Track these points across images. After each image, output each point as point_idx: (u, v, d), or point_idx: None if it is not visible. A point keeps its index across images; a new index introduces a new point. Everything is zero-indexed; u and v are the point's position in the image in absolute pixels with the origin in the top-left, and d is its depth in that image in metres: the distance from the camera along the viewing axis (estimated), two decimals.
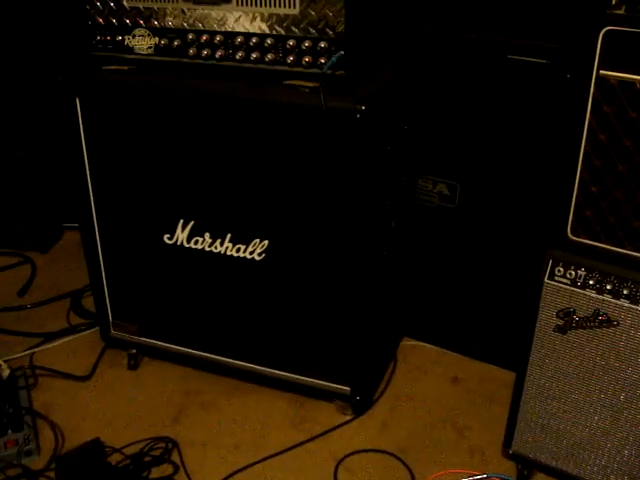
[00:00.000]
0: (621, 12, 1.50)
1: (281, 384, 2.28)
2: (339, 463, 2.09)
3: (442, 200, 2.30)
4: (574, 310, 1.73)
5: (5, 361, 2.33)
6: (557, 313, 1.75)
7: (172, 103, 2.00)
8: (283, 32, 1.84)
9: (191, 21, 1.92)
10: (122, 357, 2.47)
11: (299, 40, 1.83)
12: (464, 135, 2.19)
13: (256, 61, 1.89)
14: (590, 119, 1.60)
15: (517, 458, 2.00)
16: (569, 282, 1.72)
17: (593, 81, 1.56)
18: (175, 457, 2.10)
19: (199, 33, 1.92)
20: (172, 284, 2.27)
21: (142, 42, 1.99)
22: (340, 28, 1.78)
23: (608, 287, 1.67)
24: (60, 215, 3.20)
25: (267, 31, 1.85)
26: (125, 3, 1.96)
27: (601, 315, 1.69)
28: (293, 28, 1.82)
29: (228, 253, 2.12)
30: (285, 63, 1.86)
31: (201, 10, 1.90)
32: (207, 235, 2.12)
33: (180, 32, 1.94)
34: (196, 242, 2.14)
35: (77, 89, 2.06)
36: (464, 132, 2.19)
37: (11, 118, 2.91)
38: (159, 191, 2.13)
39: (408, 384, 2.39)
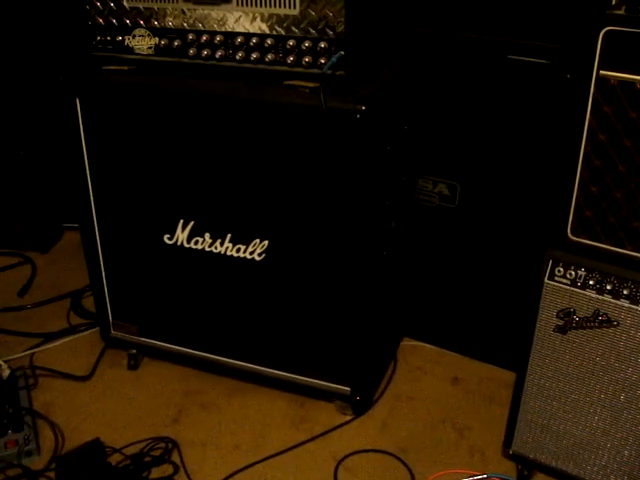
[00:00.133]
0: (621, 12, 1.50)
1: (281, 384, 2.28)
2: (339, 463, 2.09)
3: (442, 200, 2.30)
4: (574, 310, 1.73)
5: (5, 361, 2.33)
6: (557, 313, 1.75)
7: (172, 103, 2.00)
8: (283, 32, 1.84)
9: (191, 21, 1.92)
10: (122, 357, 2.47)
11: (299, 40, 1.83)
12: (464, 135, 2.19)
13: (256, 61, 1.89)
14: (590, 119, 1.60)
15: (517, 458, 2.00)
16: (569, 282, 1.72)
17: (593, 81, 1.56)
18: (175, 457, 2.10)
19: (199, 33, 1.92)
20: (172, 284, 2.27)
21: (142, 42, 1.99)
22: (340, 28, 1.78)
23: (608, 287, 1.67)
24: (60, 215, 3.20)
25: (267, 31, 1.85)
26: (125, 3, 1.96)
27: (601, 315, 1.69)
28: (293, 28, 1.82)
29: (228, 253, 2.12)
30: (285, 63, 1.86)
31: (201, 10, 1.90)
32: (207, 235, 2.12)
33: (180, 32, 1.94)
34: (196, 242, 2.14)
35: (77, 89, 2.06)
36: (464, 132, 2.19)
37: (11, 118, 2.91)
38: (159, 191, 2.13)
39: (408, 384, 2.39)
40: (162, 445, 2.13)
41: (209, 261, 2.15)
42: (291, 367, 2.24)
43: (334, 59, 1.80)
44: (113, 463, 2.06)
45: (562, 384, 1.82)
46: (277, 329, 2.20)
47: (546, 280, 1.75)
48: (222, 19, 1.88)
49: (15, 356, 2.46)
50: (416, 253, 2.43)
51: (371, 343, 2.20)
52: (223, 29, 1.89)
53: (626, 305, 1.65)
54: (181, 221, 2.14)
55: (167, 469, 2.06)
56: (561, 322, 1.75)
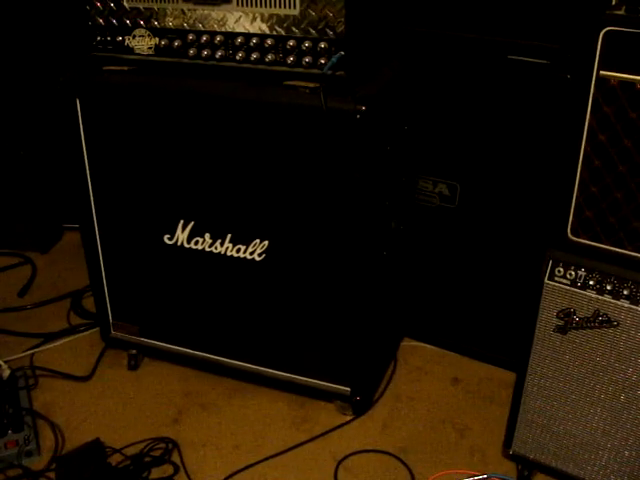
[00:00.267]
0: (621, 12, 1.50)
1: (281, 384, 2.28)
2: (339, 463, 2.09)
3: (442, 200, 2.30)
4: (574, 310, 1.73)
5: (5, 361, 2.33)
6: (557, 313, 1.75)
7: (172, 104, 2.00)
8: (283, 32, 1.84)
9: (191, 21, 1.92)
10: (122, 357, 2.47)
11: (299, 40, 1.83)
12: (464, 135, 2.19)
13: (256, 61, 1.89)
14: (590, 119, 1.60)
15: (517, 458, 2.00)
16: (569, 282, 1.72)
17: (593, 82, 1.56)
18: (175, 457, 2.10)
19: (199, 33, 1.92)
20: (172, 285, 2.27)
21: (142, 42, 1.99)
22: (340, 28, 1.78)
23: (608, 287, 1.67)
24: (60, 215, 3.20)
25: (267, 31, 1.85)
26: (125, 4, 1.96)
27: (601, 315, 1.69)
28: (293, 28, 1.82)
29: (228, 254, 2.12)
30: (285, 64, 1.86)
31: (201, 10, 1.90)
32: (207, 235, 2.12)
33: (180, 32, 1.94)
34: (196, 242, 2.14)
35: (77, 90, 2.06)
36: (464, 132, 2.19)
37: (11, 119, 2.91)
38: (159, 191, 2.13)
39: (408, 384, 2.39)
40: (162, 445, 2.13)
41: (209, 261, 2.15)
42: (291, 367, 2.24)
43: (334, 59, 1.80)
44: (113, 463, 2.06)
45: (562, 384, 1.82)
46: (277, 329, 2.20)
47: (546, 280, 1.75)
48: (222, 19, 1.88)
49: (15, 356, 2.46)
50: (416, 253, 2.43)
51: (371, 343, 2.20)
52: (223, 29, 1.89)
53: (626, 305, 1.65)
54: (181, 221, 2.14)
55: (167, 469, 2.06)
56: (561, 322, 1.75)
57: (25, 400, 2.23)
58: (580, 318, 1.72)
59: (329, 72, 1.81)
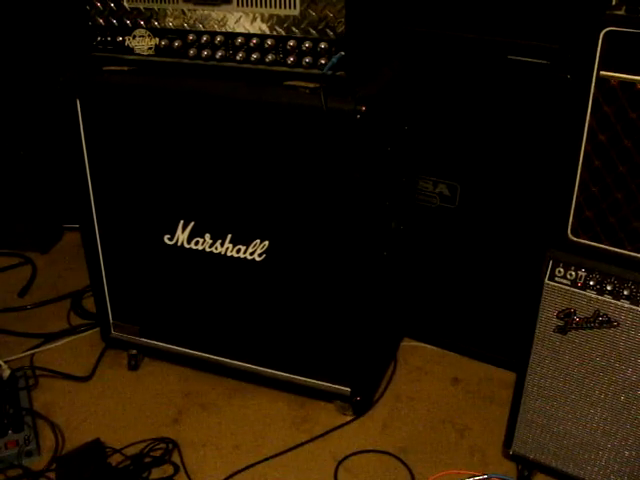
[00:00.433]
0: (621, 13, 1.50)
1: (281, 385, 2.28)
2: (339, 464, 2.09)
3: (442, 201, 2.30)
4: (574, 311, 1.73)
5: (5, 362, 2.33)
6: (557, 314, 1.75)
7: (172, 104, 2.00)
8: (283, 33, 1.84)
9: (191, 22, 1.92)
10: (122, 358, 2.47)
11: (299, 41, 1.83)
12: (464, 136, 2.19)
13: (256, 62, 1.89)
14: (590, 119, 1.60)
15: (517, 459, 2.00)
16: (569, 283, 1.72)
17: (593, 82, 1.56)
18: (175, 458, 2.10)
19: (199, 34, 1.92)
20: (172, 285, 2.27)
21: (142, 43, 1.99)
22: (340, 29, 1.78)
23: (608, 288, 1.67)
24: (60, 216, 3.20)
25: (267, 32, 1.85)
26: (125, 4, 1.96)
27: (601, 316, 1.69)
28: (293, 29, 1.82)
29: (228, 254, 2.12)
30: (285, 64, 1.86)
31: (201, 11, 1.90)
32: (207, 236, 2.12)
33: (180, 33, 1.94)
34: (197, 243, 2.14)
35: (77, 90, 2.06)
36: (464, 133, 2.19)
37: (12, 119, 2.91)
38: (159, 192, 2.13)
39: (408, 385, 2.39)
40: (162, 445, 2.13)
41: (209, 262, 2.15)
42: (291, 367, 2.24)
43: (334, 59, 1.80)
44: (113, 463, 2.06)
45: (562, 384, 1.82)
46: (277, 329, 2.20)
47: (546, 280, 1.75)
48: (222, 19, 1.88)
49: (15, 356, 2.46)
50: (416, 253, 2.43)
51: (371, 343, 2.20)
52: (223, 29, 1.89)
53: (626, 305, 1.65)
54: (181, 222, 2.14)
55: (167, 469, 2.06)
56: (561, 322, 1.75)
57: (25, 400, 2.23)
58: (580, 318, 1.72)
59: (329, 72, 1.81)
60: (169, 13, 1.93)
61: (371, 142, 1.87)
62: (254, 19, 1.85)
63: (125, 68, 2.03)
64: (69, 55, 2.54)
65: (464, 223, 2.29)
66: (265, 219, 2.04)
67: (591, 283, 1.69)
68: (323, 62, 1.82)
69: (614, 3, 1.66)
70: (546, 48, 1.96)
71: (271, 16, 1.83)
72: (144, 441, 2.14)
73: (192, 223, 2.13)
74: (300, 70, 1.86)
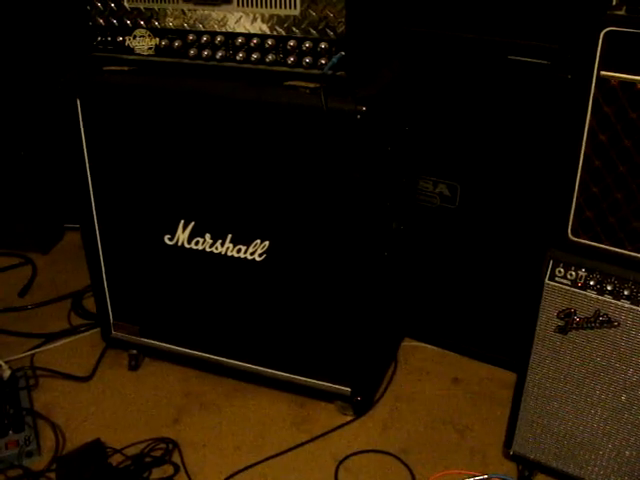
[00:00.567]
0: (622, 13, 1.50)
1: (282, 385, 2.28)
2: (340, 464, 2.09)
3: (443, 201, 2.30)
4: (575, 311, 1.72)
5: (6, 362, 2.33)
6: (558, 314, 1.75)
7: (173, 104, 2.00)
8: (284, 33, 1.84)
9: (192, 22, 1.92)
10: (123, 358, 2.47)
11: (300, 41, 1.83)
12: (465, 136, 2.19)
13: (257, 62, 1.89)
14: (591, 120, 1.60)
15: (518, 459, 2.00)
16: (570, 283, 1.72)
17: (594, 82, 1.56)
18: (176, 458, 2.10)
19: (200, 34, 1.92)
20: (173, 285, 2.27)
21: (143, 43, 1.99)
22: (341, 29, 1.78)
23: (609, 288, 1.67)
24: (61, 216, 3.20)
25: (268, 32, 1.85)
26: (126, 4, 1.96)
27: (602, 316, 1.69)
28: (294, 29, 1.82)
29: (229, 254, 2.12)
30: (286, 64, 1.86)
31: (202, 11, 1.90)
32: (208, 236, 2.12)
33: (181, 33, 1.94)
34: (197, 243, 2.14)
35: (78, 90, 2.06)
36: (465, 133, 2.19)
37: (12, 119, 2.91)
38: (160, 192, 2.13)
39: (409, 385, 2.39)
40: (163, 446, 2.13)
41: (210, 262, 2.15)
42: (292, 367, 2.24)
43: (335, 59, 1.80)
44: (114, 464, 2.06)
45: (563, 385, 1.82)
46: (278, 329, 2.20)
47: (547, 280, 1.75)
48: (223, 19, 1.88)
49: (16, 356, 2.46)
50: (417, 254, 2.43)
51: (372, 343, 2.20)
52: (224, 29, 1.89)
53: (627, 305, 1.65)
54: (182, 221, 2.14)
55: (168, 470, 2.06)
56: (562, 322, 1.75)
57: (26, 400, 2.23)
58: (580, 318, 1.72)
59: (329, 72, 1.81)
60: (169, 13, 1.93)
61: (371, 142, 1.87)
62: (254, 19, 1.85)
63: (125, 68, 2.03)
64: (70, 55, 2.54)
65: (464, 223, 2.29)
66: (265, 219, 2.04)
67: (591, 283, 1.69)
68: (323, 62, 1.82)
69: (614, 3, 1.66)
70: (546, 48, 1.96)
71: (271, 16, 1.83)
72: (144, 441, 2.14)
73: (192, 223, 2.13)
74: (300, 70, 1.86)
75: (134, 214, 2.19)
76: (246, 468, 2.07)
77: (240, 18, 1.86)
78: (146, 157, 2.10)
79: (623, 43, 1.49)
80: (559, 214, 1.73)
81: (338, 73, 1.81)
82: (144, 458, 2.08)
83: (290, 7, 1.81)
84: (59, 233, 3.23)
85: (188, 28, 1.93)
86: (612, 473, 1.82)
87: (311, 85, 1.84)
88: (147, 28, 1.97)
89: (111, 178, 2.17)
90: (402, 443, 2.16)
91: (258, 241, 2.07)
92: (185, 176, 2.08)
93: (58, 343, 2.57)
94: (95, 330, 2.58)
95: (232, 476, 2.05)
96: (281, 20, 1.83)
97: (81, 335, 2.62)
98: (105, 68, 2.04)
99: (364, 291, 2.05)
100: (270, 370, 2.27)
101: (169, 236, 2.17)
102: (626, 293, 1.65)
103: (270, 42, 1.85)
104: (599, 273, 1.68)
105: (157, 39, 1.97)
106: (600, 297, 1.68)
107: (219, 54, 1.91)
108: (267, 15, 1.84)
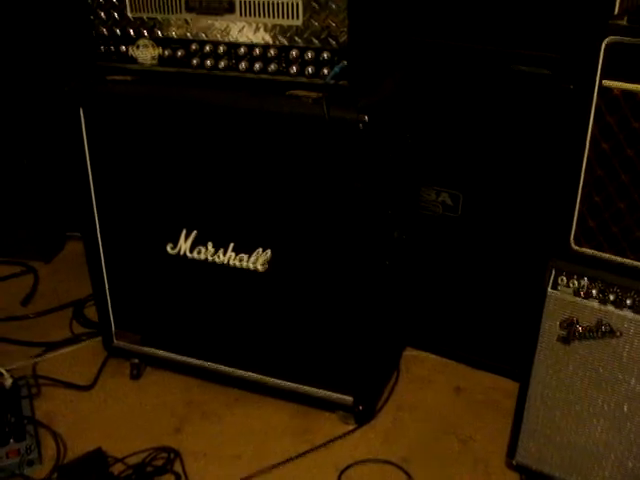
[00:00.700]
0: (623, 22, 1.50)
1: (284, 394, 2.28)
2: (342, 473, 2.08)
3: (445, 210, 2.30)
4: (577, 320, 1.72)
5: (8, 370, 2.32)
6: (560, 323, 1.75)
7: (175, 113, 2.00)
8: (286, 42, 1.84)
9: (194, 31, 1.92)
10: (125, 367, 2.46)
11: (302, 50, 1.83)
12: (467, 145, 2.20)
13: (259, 71, 1.89)
14: (593, 129, 1.60)
15: (521, 469, 1.99)
16: (572, 292, 1.72)
17: (596, 91, 1.56)
18: (177, 467, 2.10)
19: (202, 43, 1.92)
20: (175, 294, 2.27)
21: (146, 52, 1.99)
22: (343, 38, 1.78)
23: (611, 297, 1.67)
24: (63, 224, 3.20)
25: (270, 41, 1.86)
26: (129, 14, 1.96)
27: (604, 325, 1.69)
28: (296, 38, 1.83)
29: (231, 263, 2.12)
30: (288, 73, 1.86)
31: (205, 20, 1.90)
32: (210, 244, 2.12)
33: (184, 42, 1.94)
34: (199, 251, 2.14)
35: (81, 99, 2.07)
36: (467, 142, 2.19)
37: (15, 127, 2.92)
38: (162, 200, 2.13)
39: (411, 394, 2.39)
40: (164, 455, 2.12)
41: (212, 273, 2.15)
42: (294, 376, 2.24)
43: (337, 69, 1.80)
44: (115, 473, 2.05)
45: (565, 394, 1.81)
46: (280, 338, 2.19)
47: (549, 290, 1.74)
48: (225, 29, 1.89)
49: (18, 365, 2.46)
50: (419, 262, 2.43)
51: (374, 353, 2.19)
52: (226, 39, 1.90)
53: (629, 315, 1.65)
54: (184, 230, 2.14)
55: (169, 479, 2.06)
56: (564, 332, 1.75)
57: (27, 409, 2.23)
58: (583, 328, 1.72)
59: (332, 82, 1.81)
60: (172, 23, 1.94)
61: (373, 151, 1.88)
62: (257, 29, 1.86)
63: (128, 78, 2.04)
64: (73, 64, 2.55)
65: (467, 232, 2.29)
66: (267, 228, 2.04)
67: (594, 292, 1.69)
68: (326, 72, 1.83)
69: (616, 12, 1.66)
70: (548, 58, 1.97)
71: (274, 26, 1.84)
72: (146, 450, 2.13)
73: (195, 232, 2.13)
74: (303, 79, 1.86)
75: (136, 223, 2.20)
76: (248, 478, 2.07)
77: (243, 28, 1.87)
78: (148, 166, 2.10)
79: (625, 53, 1.49)
80: (561, 223, 1.73)
81: (340, 82, 1.82)
82: (145, 467, 2.08)
83: (293, 17, 1.81)
84: (61, 242, 3.23)
85: (191, 38, 1.93)
86: None
87: (313, 94, 1.84)
88: (150, 38, 1.97)
89: (113, 187, 2.17)
90: (404, 452, 2.15)
91: (260, 250, 2.07)
92: (187, 185, 2.08)
93: (60, 352, 2.57)
94: (97, 339, 2.57)
95: None
96: (284, 30, 1.83)
97: (83, 344, 2.61)
98: (108, 77, 2.05)
99: (366, 300, 2.05)
100: (272, 379, 2.26)
101: (171, 245, 2.17)
102: (629, 303, 1.65)
103: (272, 52, 1.86)
104: (601, 282, 1.68)
105: (160, 49, 1.98)
106: (602, 307, 1.68)
107: (222, 64, 1.92)
108: (270, 25, 1.84)
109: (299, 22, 1.81)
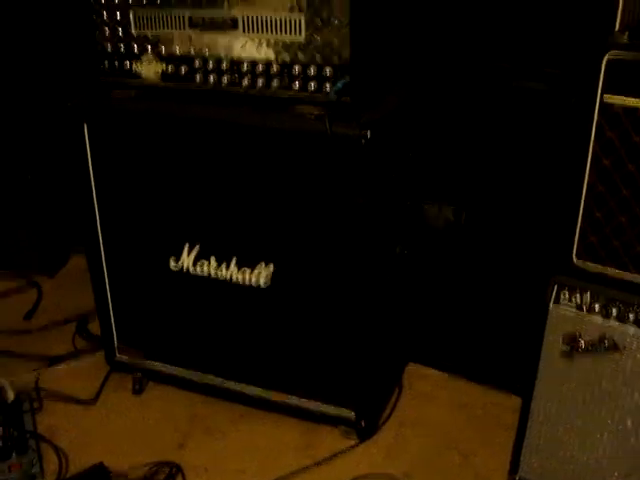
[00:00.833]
0: (624, 38, 1.51)
1: (286, 410, 2.27)
2: None
3: (447, 225, 2.30)
4: (580, 335, 1.72)
5: (10, 384, 2.33)
6: (563, 338, 1.75)
7: (178, 129, 2.01)
8: (289, 58, 1.85)
9: (198, 48, 1.93)
10: (127, 381, 2.46)
11: (305, 66, 1.84)
12: (469, 160, 2.20)
13: (262, 87, 1.90)
14: (594, 144, 1.60)
15: None
16: (574, 307, 1.72)
17: (597, 107, 1.57)
18: None
19: (206, 60, 1.93)
20: (178, 310, 2.27)
21: (149, 68, 2.00)
22: (346, 54, 1.79)
23: (614, 312, 1.67)
24: (67, 239, 3.21)
25: (273, 57, 1.87)
26: (133, 30, 1.98)
27: (607, 340, 1.68)
28: (299, 54, 1.84)
29: (234, 278, 2.11)
30: (291, 89, 1.87)
31: (208, 37, 1.91)
32: (213, 259, 2.13)
33: (187, 59, 1.96)
34: (202, 266, 2.14)
35: (85, 115, 2.08)
36: (469, 157, 2.20)
37: (19, 143, 2.94)
38: (165, 215, 2.14)
39: (413, 409, 2.38)
40: (166, 470, 2.11)
41: (215, 289, 2.15)
42: (296, 392, 2.23)
43: (339, 85, 1.81)
44: None
45: (568, 409, 1.81)
46: (282, 354, 2.19)
47: (551, 305, 1.74)
48: (228, 45, 1.90)
49: (20, 379, 2.45)
50: (421, 277, 2.43)
51: (376, 368, 2.19)
52: (229, 55, 1.91)
53: (632, 330, 1.65)
54: (187, 245, 2.14)
55: None
56: (567, 347, 1.74)
57: (29, 423, 2.23)
58: (586, 342, 1.71)
59: (334, 98, 1.82)
60: (176, 39, 1.95)
61: (376, 167, 1.88)
62: (260, 45, 1.87)
63: (132, 93, 2.05)
64: (77, 80, 2.56)
65: (469, 247, 2.29)
66: (269, 242, 2.05)
67: (596, 307, 1.69)
68: (328, 87, 1.83)
69: (617, 28, 1.67)
70: (550, 74, 1.97)
71: (277, 42, 1.85)
72: (148, 465, 2.12)
73: (197, 246, 2.13)
74: (305, 95, 1.87)
75: (139, 238, 2.20)
76: None
77: (246, 44, 1.88)
78: (152, 181, 2.11)
79: (626, 69, 1.50)
80: (564, 238, 1.73)
81: (343, 98, 1.82)
82: None
83: (295, 33, 1.82)
84: (65, 257, 3.23)
85: (194, 54, 1.94)
86: None
87: (316, 110, 1.85)
88: (154, 54, 1.99)
89: (117, 202, 2.18)
90: (406, 468, 2.14)
91: (262, 264, 2.07)
92: (191, 200, 2.09)
93: (62, 366, 2.57)
94: (100, 353, 2.57)
95: None
96: (286, 46, 1.84)
97: (86, 358, 2.61)
98: (112, 93, 2.06)
99: (368, 315, 2.05)
100: (275, 395, 2.26)
101: (174, 259, 2.17)
102: (631, 317, 1.65)
103: (275, 68, 1.87)
104: (604, 297, 1.68)
105: (164, 64, 1.99)
106: (605, 321, 1.68)
107: (225, 80, 1.93)
108: (272, 41, 1.85)
109: (302, 38, 1.82)
